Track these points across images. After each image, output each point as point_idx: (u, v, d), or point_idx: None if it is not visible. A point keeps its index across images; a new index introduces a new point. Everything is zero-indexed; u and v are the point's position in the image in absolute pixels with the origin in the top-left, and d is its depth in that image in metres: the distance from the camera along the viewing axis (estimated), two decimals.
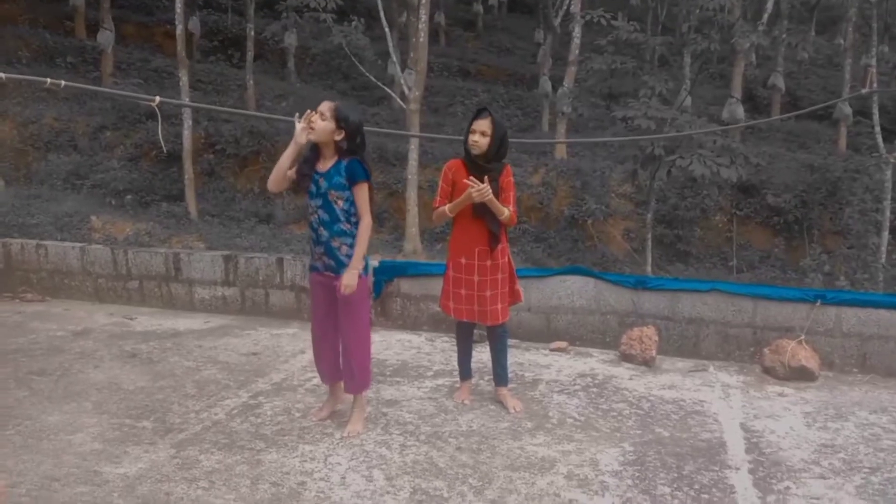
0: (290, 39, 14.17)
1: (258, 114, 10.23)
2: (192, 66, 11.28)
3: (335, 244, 3.74)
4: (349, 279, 3.66)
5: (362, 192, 3.69)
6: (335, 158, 3.70)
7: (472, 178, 3.88)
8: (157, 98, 4.63)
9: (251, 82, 12.30)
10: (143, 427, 3.94)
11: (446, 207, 4.05)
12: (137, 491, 3.22)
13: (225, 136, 10.21)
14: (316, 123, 3.62)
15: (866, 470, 3.56)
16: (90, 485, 3.27)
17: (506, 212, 3.99)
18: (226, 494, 3.21)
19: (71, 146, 10.35)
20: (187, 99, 9.27)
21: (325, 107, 3.65)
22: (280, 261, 6.34)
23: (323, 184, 3.69)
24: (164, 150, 8.67)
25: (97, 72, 12.50)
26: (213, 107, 9.29)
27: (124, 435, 3.82)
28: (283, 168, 3.71)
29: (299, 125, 3.65)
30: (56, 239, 7.22)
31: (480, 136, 3.93)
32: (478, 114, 4.00)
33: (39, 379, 4.66)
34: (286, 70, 15.04)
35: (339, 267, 3.75)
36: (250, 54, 12.56)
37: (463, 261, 4.10)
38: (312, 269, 3.89)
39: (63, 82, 4.47)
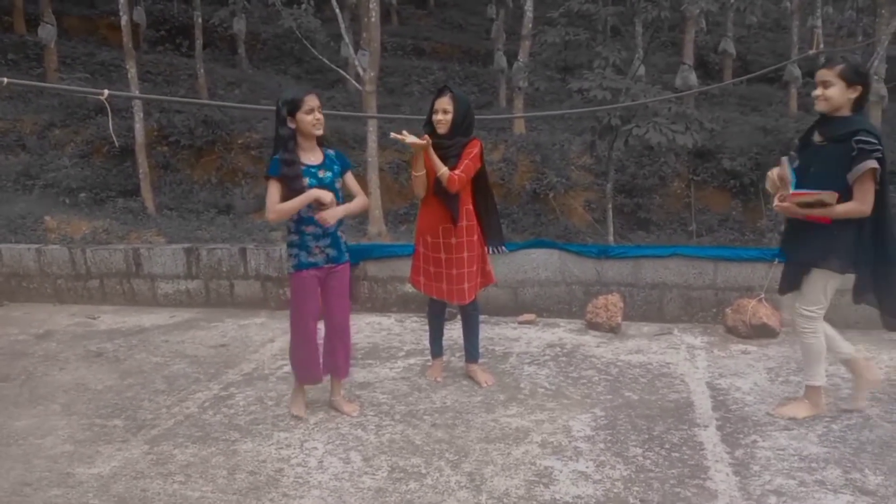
0: (240, 25, 13.87)
1: (211, 102, 10.04)
2: (139, 57, 10.99)
3: (339, 233, 3.78)
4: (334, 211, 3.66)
5: (352, 176, 3.85)
6: (320, 150, 3.72)
7: (403, 132, 3.78)
8: (106, 91, 4.50)
9: (202, 71, 12.02)
10: (114, 426, 3.89)
11: (413, 173, 4.00)
12: (112, 490, 3.20)
13: (178, 128, 9.98)
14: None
15: (827, 419, 3.70)
16: (63, 487, 3.24)
17: (442, 168, 3.88)
18: (203, 487, 3.20)
19: (19, 146, 10.04)
20: (137, 91, 9.04)
21: (316, 99, 3.60)
22: (243, 251, 6.28)
23: (325, 175, 3.68)
24: (117, 145, 8.48)
25: (41, 68, 12.10)
26: (164, 97, 9.10)
27: (95, 435, 3.78)
28: (293, 210, 3.61)
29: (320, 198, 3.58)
30: (10, 241, 7.03)
31: (443, 115, 3.93)
32: (439, 92, 4.01)
33: (3, 384, 4.56)
34: (237, 57, 14.74)
35: (341, 255, 3.80)
36: (199, 42, 12.27)
37: (429, 239, 4.11)
38: (308, 265, 3.71)
39: (6, 79, 4.33)
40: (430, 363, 4.53)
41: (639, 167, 10.04)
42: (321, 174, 3.66)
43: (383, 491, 3.11)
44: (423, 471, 3.27)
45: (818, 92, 3.41)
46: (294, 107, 3.55)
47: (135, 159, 9.01)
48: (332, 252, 3.75)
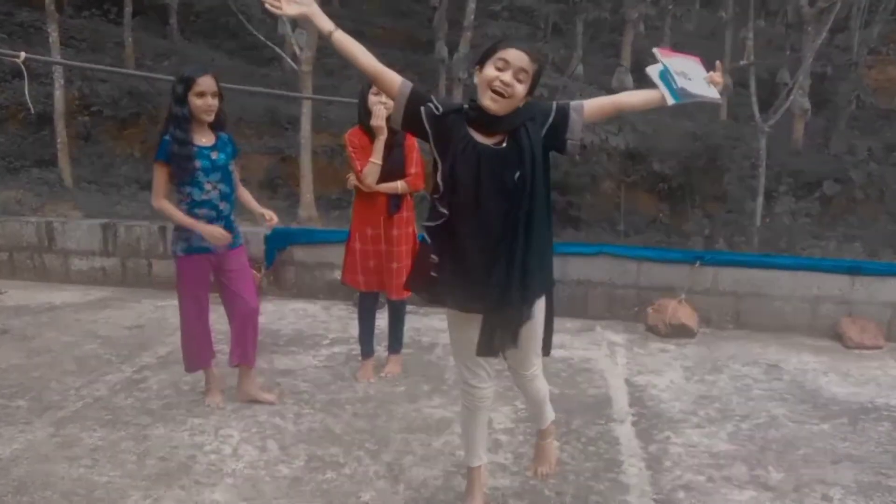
0: None
1: (137, 72, 9.60)
2: (62, 21, 10.45)
3: (233, 217, 3.64)
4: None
5: (237, 166, 3.70)
6: (212, 132, 3.53)
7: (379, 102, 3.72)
8: (23, 54, 4.25)
9: (130, 40, 11.53)
10: (17, 406, 3.70)
11: (371, 160, 3.82)
12: (13, 473, 3.04)
13: (102, 97, 9.56)
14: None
15: (738, 417, 3.83)
16: None
17: (398, 183, 3.90)
18: (110, 472, 3.08)
19: None
20: (58, 57, 8.60)
21: (211, 82, 3.41)
22: (163, 229, 6.06)
23: (218, 156, 3.52)
24: (33, 112, 8.06)
25: None
26: (86, 64, 8.67)
27: None
28: (176, 221, 3.50)
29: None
30: None
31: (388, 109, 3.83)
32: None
33: None
34: (168, 27, 14.19)
35: (237, 238, 3.67)
36: (128, 10, 11.75)
37: (369, 231, 3.97)
38: (201, 250, 3.53)
39: None
40: (355, 352, 4.46)
41: (572, 165, 10.16)
42: (213, 156, 3.50)
43: (299, 480, 3.05)
44: (342, 460, 3.23)
45: (508, 78, 2.34)
46: (186, 86, 3.37)
47: (53, 128, 8.58)
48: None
